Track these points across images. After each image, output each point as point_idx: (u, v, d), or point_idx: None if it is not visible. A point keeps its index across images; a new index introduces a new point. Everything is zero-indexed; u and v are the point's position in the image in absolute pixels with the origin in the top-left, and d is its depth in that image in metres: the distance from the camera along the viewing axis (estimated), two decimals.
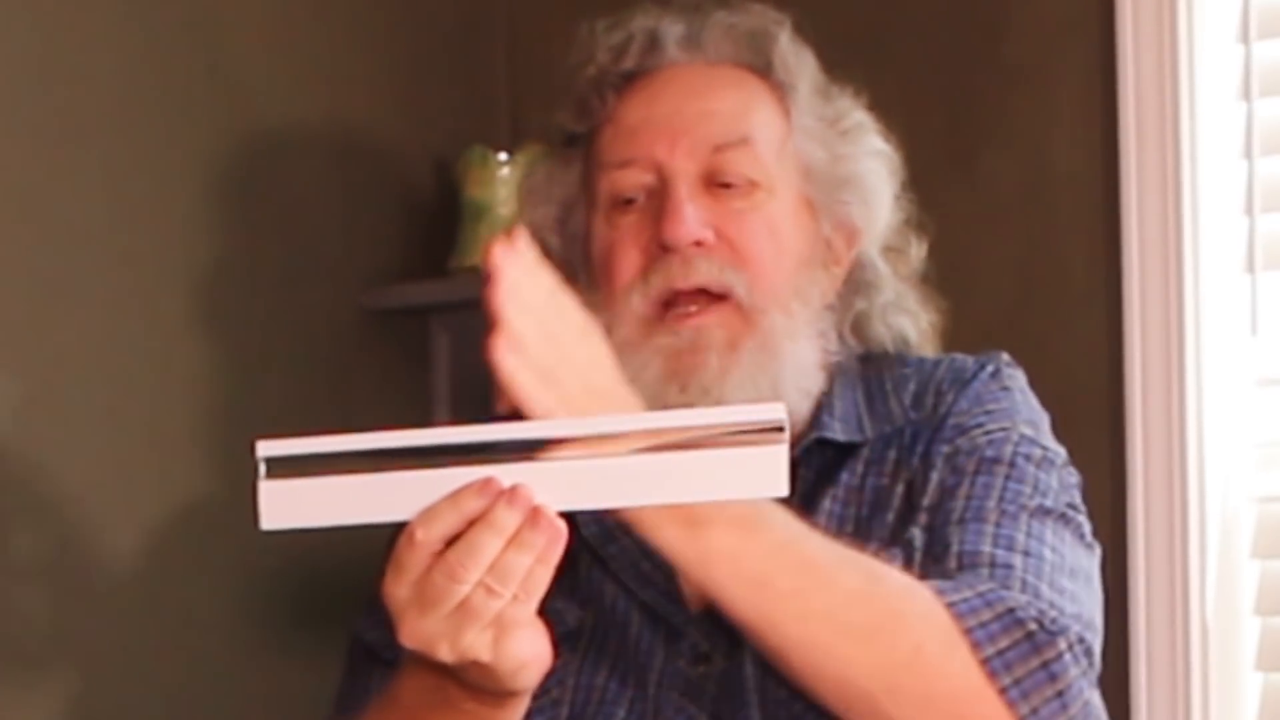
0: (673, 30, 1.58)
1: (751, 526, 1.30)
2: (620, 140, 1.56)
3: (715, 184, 1.53)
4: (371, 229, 2.42)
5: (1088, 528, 1.52)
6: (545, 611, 1.49)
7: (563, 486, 1.18)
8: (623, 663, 1.49)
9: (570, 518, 1.51)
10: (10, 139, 2.04)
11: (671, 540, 1.29)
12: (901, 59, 2.30)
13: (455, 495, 1.18)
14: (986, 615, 1.36)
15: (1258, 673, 2.13)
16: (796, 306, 1.54)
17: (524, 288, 1.23)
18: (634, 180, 1.54)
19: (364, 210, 2.41)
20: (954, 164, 2.25)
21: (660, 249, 1.51)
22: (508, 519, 1.17)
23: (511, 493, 1.17)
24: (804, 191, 1.57)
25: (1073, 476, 1.54)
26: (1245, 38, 2.16)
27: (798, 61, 1.59)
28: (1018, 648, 1.35)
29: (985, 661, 1.34)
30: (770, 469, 1.17)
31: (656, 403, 1.47)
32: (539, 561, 1.18)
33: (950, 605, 1.35)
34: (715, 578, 1.31)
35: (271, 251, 2.29)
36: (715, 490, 1.19)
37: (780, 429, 1.17)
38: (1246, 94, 2.15)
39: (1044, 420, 1.58)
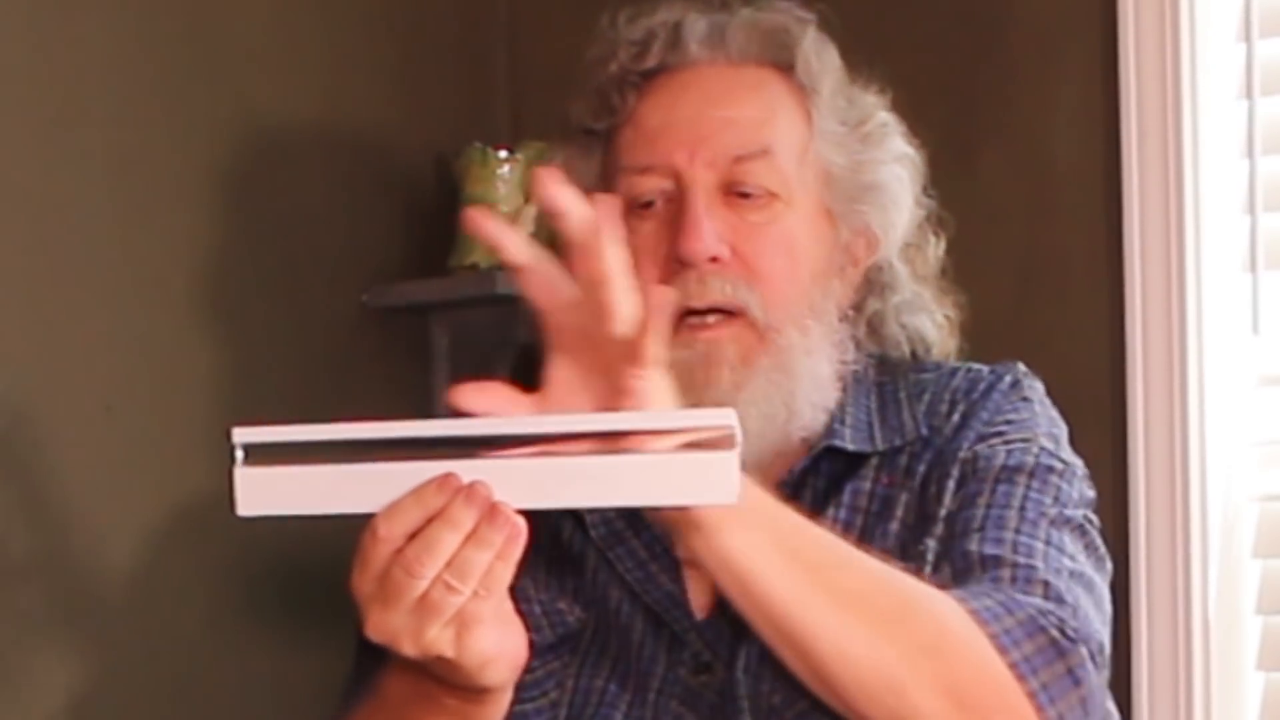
0: (696, 27, 1.56)
1: (768, 517, 1.31)
2: (641, 144, 1.55)
3: (733, 194, 1.52)
4: (372, 227, 2.42)
5: (1101, 543, 1.51)
6: (547, 612, 1.49)
7: (523, 485, 1.19)
8: (623, 666, 1.49)
9: (579, 520, 1.52)
10: (10, 138, 2.03)
11: (701, 537, 1.29)
12: (903, 56, 2.29)
13: (418, 491, 1.19)
14: (1009, 621, 1.35)
15: (1259, 672, 2.13)
16: (812, 322, 1.52)
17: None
18: (653, 186, 1.53)
19: (364, 208, 2.41)
20: (955, 162, 2.24)
21: (677, 263, 1.50)
22: (464, 515, 1.17)
23: (470, 489, 1.17)
24: (823, 199, 1.56)
25: (1091, 491, 1.53)
26: (1247, 36, 2.16)
27: (821, 61, 1.58)
28: (1043, 653, 1.35)
29: (1013, 665, 1.34)
30: (722, 476, 1.18)
31: None
32: (499, 558, 1.19)
33: (973, 612, 1.35)
34: (756, 549, 1.30)
35: (272, 250, 2.29)
36: (668, 495, 1.20)
37: (731, 435, 1.17)
38: (1248, 92, 2.15)
39: (1063, 432, 1.56)
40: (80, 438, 2.09)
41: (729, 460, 1.17)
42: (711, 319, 1.50)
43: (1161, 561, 2.12)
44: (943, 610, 1.34)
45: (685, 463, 1.18)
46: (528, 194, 2.33)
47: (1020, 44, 2.25)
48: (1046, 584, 1.40)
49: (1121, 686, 2.12)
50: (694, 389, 1.47)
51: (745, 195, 1.52)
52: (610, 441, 1.19)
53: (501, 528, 1.18)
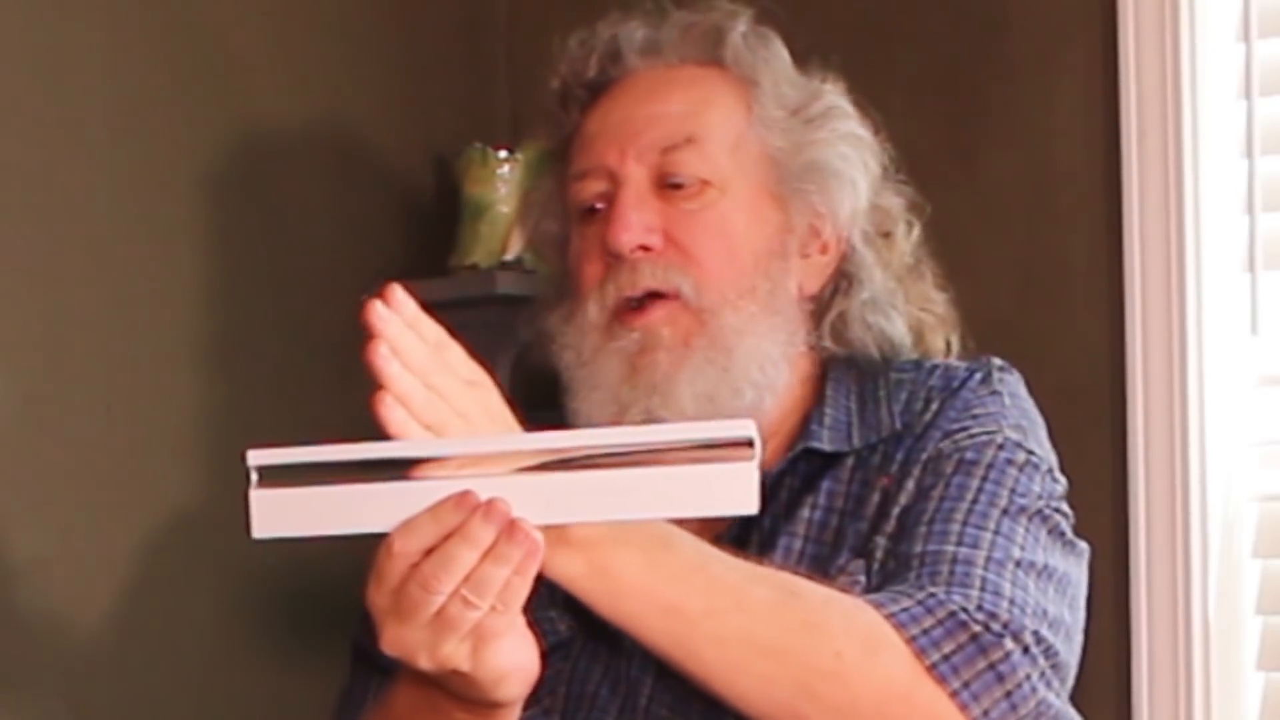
0: (633, 37, 1.59)
1: (656, 552, 1.30)
2: (580, 152, 1.58)
3: (666, 185, 1.54)
4: (372, 227, 2.42)
5: (1068, 526, 1.50)
6: (537, 620, 1.49)
7: (540, 500, 1.18)
8: (613, 672, 1.49)
9: None
10: (10, 139, 2.03)
11: (575, 575, 1.28)
12: (904, 56, 2.30)
13: (434, 508, 1.18)
14: (928, 621, 1.35)
15: (1259, 672, 2.13)
16: (750, 303, 1.53)
17: (404, 344, 1.25)
18: (592, 190, 1.56)
19: (364, 209, 2.41)
20: (955, 162, 2.25)
21: (611, 257, 1.53)
22: (483, 532, 1.17)
23: (488, 506, 1.17)
24: (766, 183, 1.57)
25: (1058, 485, 1.53)
26: (1246, 36, 2.16)
27: (755, 54, 1.59)
28: (963, 650, 1.35)
29: (932, 667, 1.34)
30: (740, 486, 1.17)
31: (614, 403, 1.51)
32: (516, 573, 1.18)
33: (890, 616, 1.35)
34: (625, 609, 1.31)
35: (272, 250, 2.29)
36: (688, 506, 1.19)
37: (750, 444, 1.17)
38: (1247, 92, 2.15)
39: (1036, 425, 1.56)
40: (80, 438, 2.08)
41: (749, 469, 1.17)
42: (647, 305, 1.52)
43: (1161, 562, 2.12)
44: (848, 625, 1.34)
45: (704, 474, 1.17)
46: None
47: (1020, 44, 2.25)
48: (984, 579, 1.39)
49: (1122, 686, 2.12)
50: (633, 374, 1.50)
51: (678, 185, 1.54)
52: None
53: (520, 544, 1.17)
